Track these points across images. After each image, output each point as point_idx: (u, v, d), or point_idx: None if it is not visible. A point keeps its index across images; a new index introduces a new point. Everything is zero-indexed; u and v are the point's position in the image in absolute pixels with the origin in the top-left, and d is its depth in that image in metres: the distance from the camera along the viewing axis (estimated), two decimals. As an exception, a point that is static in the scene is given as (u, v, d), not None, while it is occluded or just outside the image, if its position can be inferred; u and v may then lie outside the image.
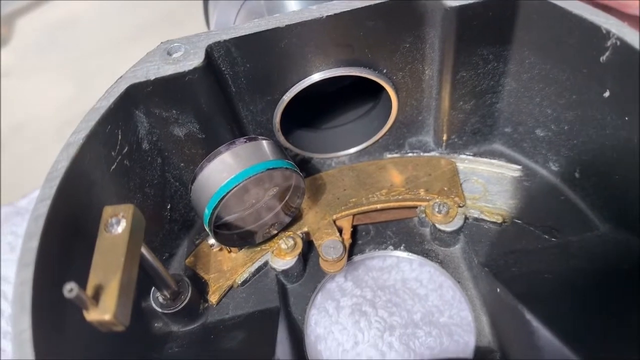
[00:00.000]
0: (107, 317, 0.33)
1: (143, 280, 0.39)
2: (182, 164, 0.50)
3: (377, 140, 0.56)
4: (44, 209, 0.36)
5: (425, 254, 0.53)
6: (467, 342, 0.49)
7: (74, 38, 1.01)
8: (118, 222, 0.36)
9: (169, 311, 0.46)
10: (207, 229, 0.46)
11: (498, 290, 0.44)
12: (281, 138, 0.53)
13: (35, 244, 0.34)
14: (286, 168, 0.46)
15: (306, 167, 0.57)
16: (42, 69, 0.95)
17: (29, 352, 0.31)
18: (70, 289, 0.31)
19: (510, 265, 0.46)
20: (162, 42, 0.44)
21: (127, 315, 0.34)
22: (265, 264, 0.51)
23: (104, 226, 0.36)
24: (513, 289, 0.42)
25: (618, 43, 0.39)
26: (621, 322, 0.35)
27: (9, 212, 0.64)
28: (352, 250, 0.54)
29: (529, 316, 0.38)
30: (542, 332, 0.36)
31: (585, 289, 0.40)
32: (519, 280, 0.44)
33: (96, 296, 0.33)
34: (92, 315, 0.33)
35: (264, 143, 0.46)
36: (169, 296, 0.46)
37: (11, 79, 0.92)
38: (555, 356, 0.34)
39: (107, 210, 0.37)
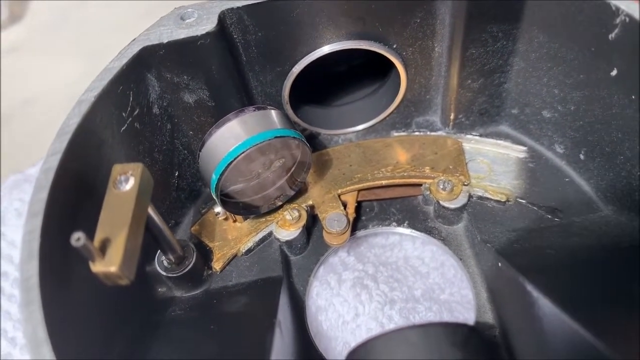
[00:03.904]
0: (112, 269, 0.33)
1: (148, 245, 0.40)
2: (191, 132, 0.50)
3: (385, 119, 0.56)
4: (54, 162, 0.37)
5: (429, 231, 0.53)
6: (467, 318, 0.49)
7: (86, 17, 1.01)
8: (127, 180, 0.36)
9: (173, 275, 0.47)
10: (214, 195, 0.46)
11: (499, 264, 0.44)
12: (290, 111, 0.53)
13: (44, 195, 0.35)
14: (294, 137, 0.46)
15: (313, 143, 0.57)
16: (53, 47, 0.95)
17: (35, 297, 0.32)
18: (77, 238, 0.31)
19: (512, 242, 0.47)
20: (175, 8, 0.45)
21: (132, 269, 0.35)
22: (270, 234, 0.52)
23: (112, 183, 0.37)
24: (514, 263, 0.42)
25: (627, 20, 0.39)
26: (620, 291, 0.36)
27: (18, 180, 0.65)
28: (355, 226, 0.55)
29: (529, 287, 0.38)
30: (542, 301, 0.36)
31: (586, 263, 0.41)
32: (521, 255, 0.44)
33: (103, 249, 0.34)
34: (98, 266, 0.33)
35: (273, 112, 0.47)
36: (173, 260, 0.46)
37: (23, 54, 0.93)
38: (555, 324, 0.35)
39: (117, 168, 0.37)
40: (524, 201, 0.51)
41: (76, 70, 0.88)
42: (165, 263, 0.47)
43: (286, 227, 0.51)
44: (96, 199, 0.36)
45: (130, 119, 0.43)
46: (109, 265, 0.33)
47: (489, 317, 0.48)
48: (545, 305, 0.36)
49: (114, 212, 0.36)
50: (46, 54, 0.93)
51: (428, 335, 0.35)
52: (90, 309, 0.38)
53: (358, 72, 0.60)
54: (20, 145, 0.77)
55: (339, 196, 0.53)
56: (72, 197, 0.38)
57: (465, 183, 0.52)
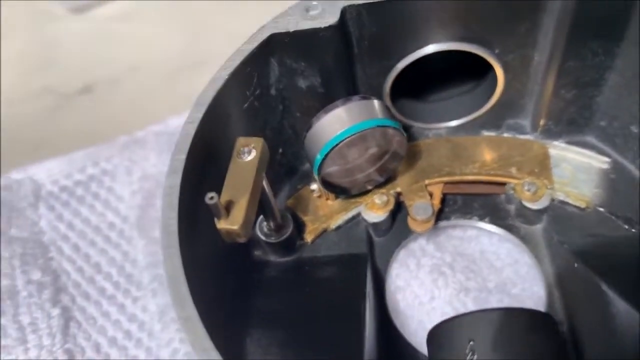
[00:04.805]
0: (235, 227, 0.38)
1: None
2: (298, 114, 0.54)
3: (477, 118, 0.59)
4: (192, 129, 0.42)
5: (508, 229, 0.56)
6: (537, 313, 0.53)
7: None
8: (249, 152, 0.42)
9: (271, 241, 0.52)
10: (315, 174, 0.51)
11: (575, 265, 0.47)
12: (389, 103, 0.57)
13: (183, 156, 0.40)
14: (394, 128, 0.50)
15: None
16: (160, 18, 1.01)
17: (174, 241, 0.37)
18: (211, 197, 0.37)
19: (589, 245, 0.50)
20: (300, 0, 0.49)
21: (249, 229, 0.40)
22: (358, 214, 0.56)
23: (236, 153, 0.42)
24: (591, 264, 0.45)
25: None
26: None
27: (127, 141, 0.71)
28: (438, 217, 0.58)
29: (604, 287, 0.41)
30: (618, 302, 0.39)
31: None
32: (598, 258, 0.47)
33: (227, 209, 0.39)
34: (223, 224, 0.39)
35: (376, 103, 0.51)
36: (273, 227, 0.51)
37: (131, 23, 0.99)
38: (629, 323, 0.38)
39: (240, 140, 0.42)
40: (602, 209, 0.54)
41: (179, 43, 0.93)
42: (265, 229, 0.52)
43: (374, 210, 0.55)
44: (220, 165, 0.41)
45: (252, 97, 0.48)
46: (232, 223, 0.38)
47: (559, 315, 0.51)
48: (620, 305, 0.39)
49: (237, 178, 0.41)
50: (153, 24, 0.98)
51: (510, 317, 0.39)
52: (208, 262, 0.44)
53: (454, 71, 0.63)
54: (127, 109, 0.83)
55: (426, 186, 0.57)
56: (202, 161, 0.43)
57: (549, 187, 0.55)
